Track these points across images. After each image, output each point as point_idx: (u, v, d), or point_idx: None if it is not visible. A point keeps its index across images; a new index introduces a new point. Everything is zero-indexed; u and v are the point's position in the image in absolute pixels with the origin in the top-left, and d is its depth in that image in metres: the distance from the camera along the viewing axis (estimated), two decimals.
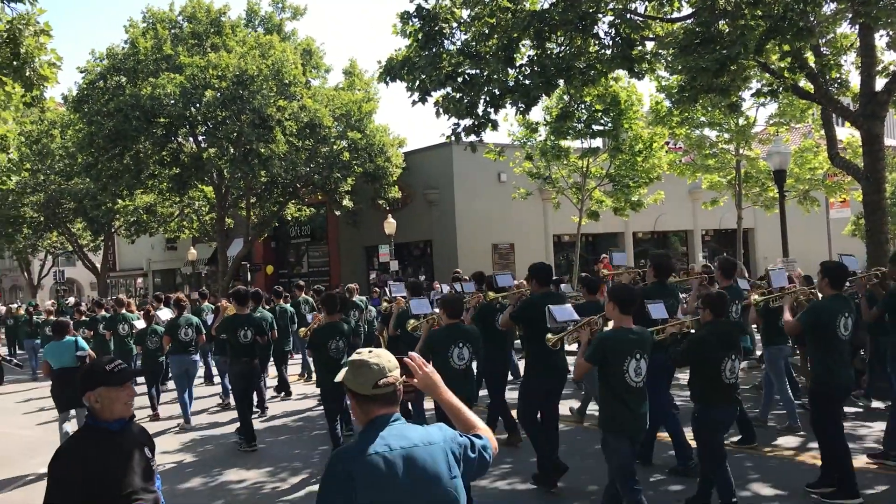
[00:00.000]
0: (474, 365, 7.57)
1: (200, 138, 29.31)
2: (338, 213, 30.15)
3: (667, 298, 7.54)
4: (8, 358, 8.45)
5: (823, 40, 12.80)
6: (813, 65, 12.57)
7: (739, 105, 13.43)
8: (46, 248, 42.11)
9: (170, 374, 13.13)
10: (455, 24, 12.57)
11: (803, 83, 13.70)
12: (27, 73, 10.73)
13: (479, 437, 2.99)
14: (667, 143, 25.03)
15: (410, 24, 12.42)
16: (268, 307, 13.73)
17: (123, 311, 14.38)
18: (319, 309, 11.91)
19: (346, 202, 28.82)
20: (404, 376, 2.93)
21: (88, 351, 9.58)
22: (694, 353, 6.15)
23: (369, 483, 2.63)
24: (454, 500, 2.77)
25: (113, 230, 37.68)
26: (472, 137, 13.04)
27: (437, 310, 8.02)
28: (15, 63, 10.62)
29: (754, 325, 11.17)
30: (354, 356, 2.89)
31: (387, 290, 11.45)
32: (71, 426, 9.27)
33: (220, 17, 30.35)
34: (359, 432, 2.82)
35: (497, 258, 29.50)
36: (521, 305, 7.87)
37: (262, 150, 26.31)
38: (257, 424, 10.84)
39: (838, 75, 12.94)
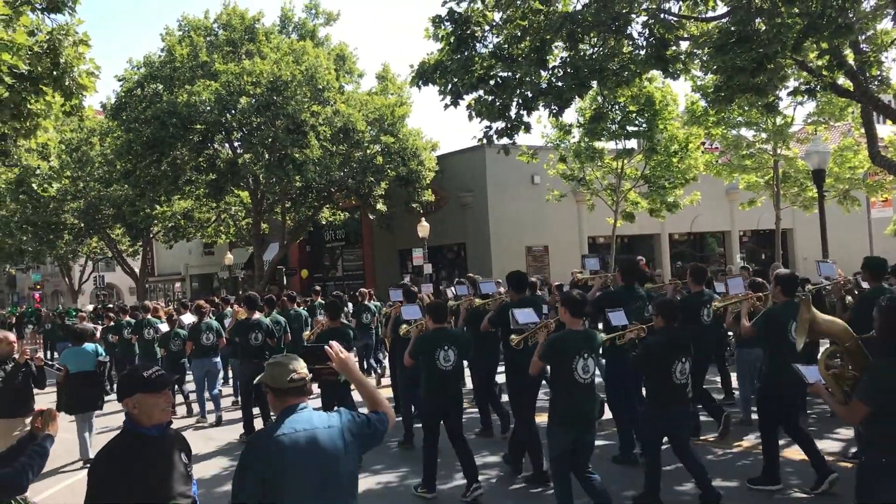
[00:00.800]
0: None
1: (236, 144, 29.61)
2: (372, 216, 30.28)
3: (634, 302, 8.04)
4: (50, 363, 8.62)
5: (863, 37, 12.55)
6: (852, 62, 12.33)
7: (776, 104, 13.19)
8: (87, 254, 42.82)
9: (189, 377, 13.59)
10: (487, 27, 12.54)
11: (842, 81, 13.44)
12: (66, 83, 10.92)
13: (377, 413, 3.69)
14: (703, 144, 24.76)
15: (442, 27, 12.43)
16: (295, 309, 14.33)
17: (149, 316, 15.05)
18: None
19: (380, 206, 28.93)
20: (327, 362, 3.73)
21: (106, 358, 10.26)
22: (647, 357, 6.64)
23: (276, 458, 3.30)
24: (347, 470, 3.48)
25: (151, 235, 38.20)
26: (505, 140, 13.01)
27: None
28: (55, 73, 10.81)
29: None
30: (271, 360, 3.65)
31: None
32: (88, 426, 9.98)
33: (254, 24, 30.66)
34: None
35: (531, 261, 29.40)
36: (497, 310, 8.46)
37: (297, 156, 26.51)
38: None
39: (879, 72, 12.65)
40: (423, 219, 28.20)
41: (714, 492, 6.51)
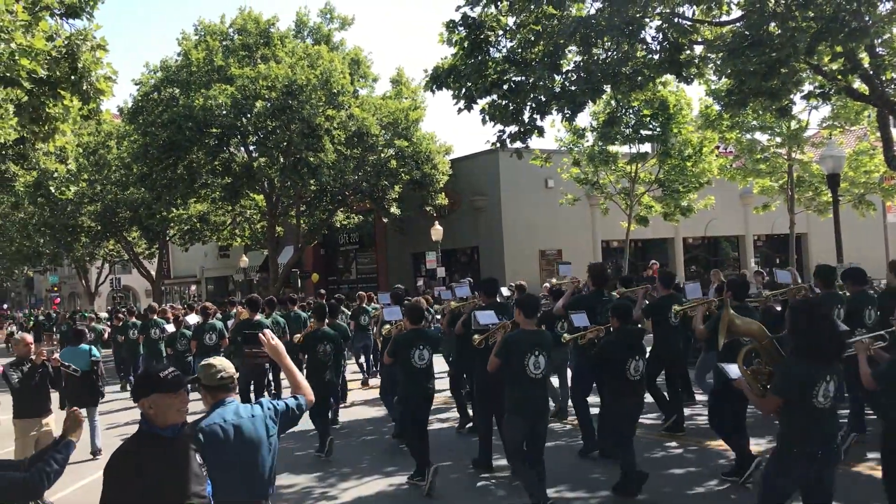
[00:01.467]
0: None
1: (251, 148, 29.75)
2: (386, 220, 30.36)
3: (602, 306, 8.51)
4: (66, 364, 8.74)
5: (879, 40, 12.48)
6: (867, 65, 12.27)
7: (790, 108, 13.14)
8: (103, 257, 43.10)
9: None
10: (501, 32, 12.58)
11: (858, 84, 13.37)
12: (84, 87, 11.07)
13: (296, 398, 4.25)
14: (717, 148, 24.67)
15: (456, 32, 12.47)
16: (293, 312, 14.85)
17: (155, 317, 15.96)
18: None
19: (394, 209, 28.99)
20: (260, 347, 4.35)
21: (99, 357, 10.65)
22: (604, 355, 7.30)
23: (209, 445, 3.80)
24: (269, 454, 4.02)
25: (167, 238, 38.43)
26: (518, 144, 13.03)
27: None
28: (73, 77, 10.96)
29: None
30: (203, 361, 4.20)
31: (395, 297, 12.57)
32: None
33: (269, 29, 30.78)
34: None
35: (544, 264, 29.38)
36: (468, 312, 9.02)
37: (312, 159, 26.61)
38: (307, 428, 11.01)
39: (895, 76, 12.60)
40: (437, 222, 28.25)
41: (633, 489, 6.98)
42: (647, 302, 9.99)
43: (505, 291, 10.76)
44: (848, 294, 8.72)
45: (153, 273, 39.66)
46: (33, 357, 8.23)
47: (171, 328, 14.49)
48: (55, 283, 55.83)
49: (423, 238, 29.50)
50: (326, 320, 10.26)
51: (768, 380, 4.94)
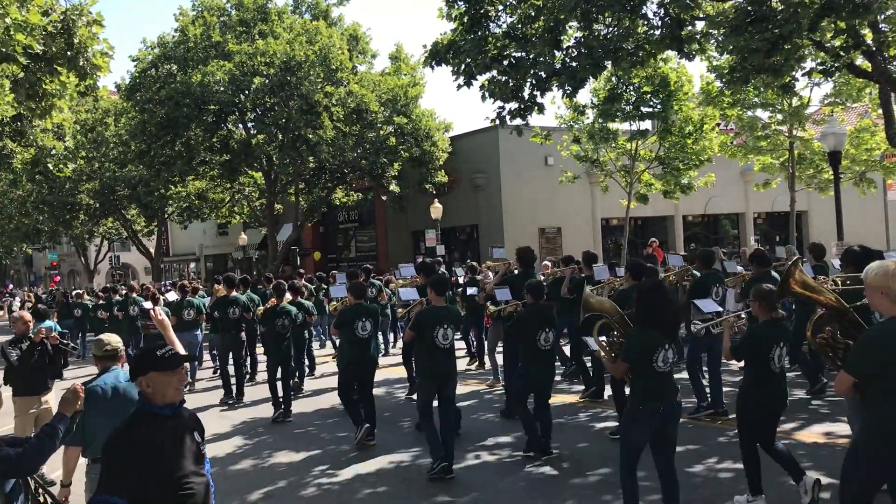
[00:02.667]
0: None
1: (249, 125, 29.63)
2: (385, 198, 30.27)
3: None
4: (65, 342, 8.71)
5: (882, 16, 12.36)
6: (870, 42, 12.16)
7: (792, 86, 13.04)
8: (102, 234, 43.07)
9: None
10: (501, 7, 12.48)
11: (860, 61, 13.26)
12: (81, 63, 10.99)
13: None
14: (718, 125, 24.55)
15: (456, 7, 12.38)
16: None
17: (134, 295, 16.91)
18: (313, 293, 15.56)
19: (393, 187, 28.89)
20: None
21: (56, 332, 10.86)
22: (517, 326, 8.22)
23: (91, 400, 4.74)
24: None
25: (166, 216, 38.38)
26: (518, 121, 12.96)
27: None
28: (69, 53, 10.88)
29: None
30: (97, 337, 5.46)
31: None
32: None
33: (266, 4, 30.57)
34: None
35: (544, 242, 29.33)
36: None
37: (310, 136, 26.50)
38: (306, 407, 11.05)
39: None
40: (436, 200, 28.18)
41: (547, 448, 7.76)
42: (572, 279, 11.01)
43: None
44: (752, 274, 9.67)
45: (152, 251, 39.63)
46: (32, 335, 8.21)
47: (148, 305, 15.08)
48: (54, 261, 55.82)
49: (422, 216, 29.44)
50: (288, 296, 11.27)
51: (619, 349, 5.80)
